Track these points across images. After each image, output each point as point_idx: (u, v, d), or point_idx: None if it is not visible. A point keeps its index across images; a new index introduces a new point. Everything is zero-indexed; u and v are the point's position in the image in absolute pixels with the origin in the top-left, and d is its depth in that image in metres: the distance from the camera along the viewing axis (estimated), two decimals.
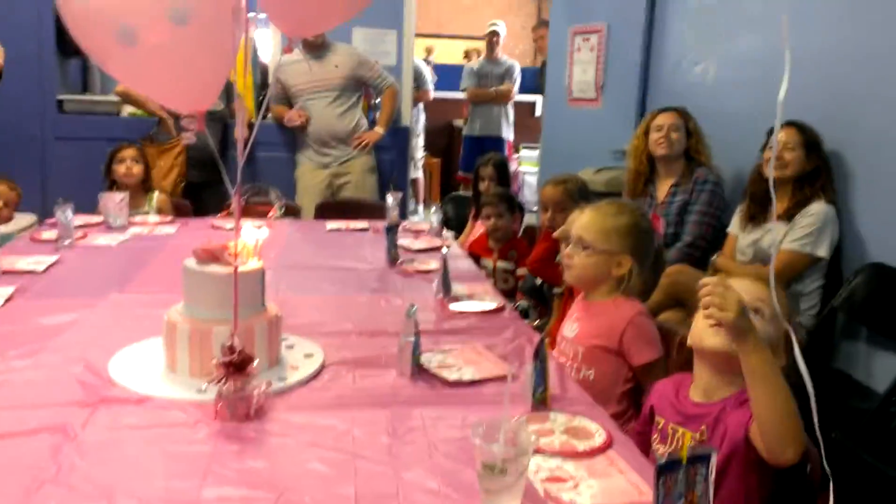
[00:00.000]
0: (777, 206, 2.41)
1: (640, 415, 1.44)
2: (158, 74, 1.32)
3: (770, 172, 1.03)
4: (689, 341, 1.27)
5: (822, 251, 2.32)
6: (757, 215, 2.52)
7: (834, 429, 1.94)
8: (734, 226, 2.64)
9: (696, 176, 2.82)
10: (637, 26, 3.76)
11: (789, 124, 2.38)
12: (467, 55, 7.31)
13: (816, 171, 2.37)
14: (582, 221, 1.62)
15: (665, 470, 0.79)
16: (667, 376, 1.41)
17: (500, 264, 2.78)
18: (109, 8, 1.21)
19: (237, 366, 1.12)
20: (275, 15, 1.28)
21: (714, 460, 0.81)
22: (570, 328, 1.62)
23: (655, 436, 1.30)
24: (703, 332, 1.21)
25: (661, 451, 1.27)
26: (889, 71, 2.32)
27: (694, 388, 1.27)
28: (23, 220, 3.00)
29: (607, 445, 1.08)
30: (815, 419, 0.90)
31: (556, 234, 2.10)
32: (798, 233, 2.33)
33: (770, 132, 2.49)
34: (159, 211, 2.95)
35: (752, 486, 1.15)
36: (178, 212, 3.01)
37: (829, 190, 2.37)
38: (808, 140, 2.37)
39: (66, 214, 2.17)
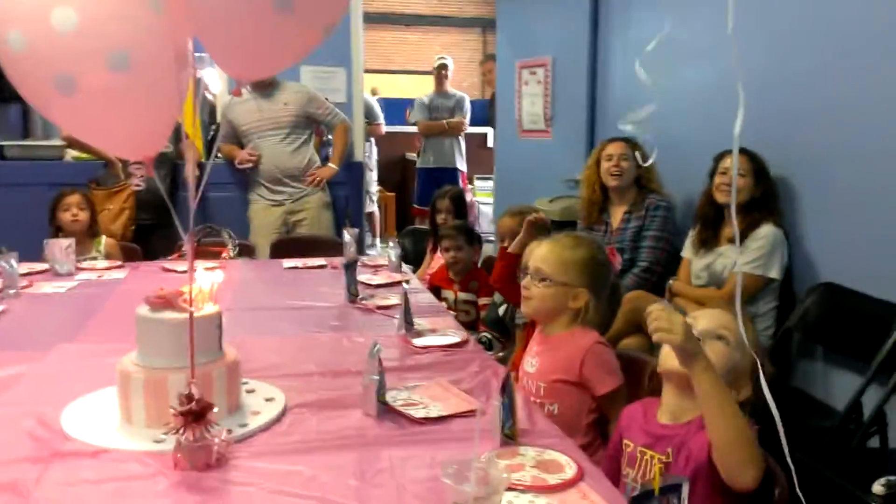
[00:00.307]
0: (727, 230, 2.50)
1: (607, 444, 1.45)
2: (101, 122, 1.29)
3: (732, 199, 1.06)
4: (658, 366, 1.29)
5: (774, 272, 2.40)
6: (709, 239, 2.60)
7: (796, 449, 1.98)
8: (687, 250, 2.71)
9: (648, 202, 2.89)
10: (581, 59, 3.89)
11: (739, 152, 2.48)
12: None
13: (764, 196, 2.46)
14: (540, 253, 1.64)
15: (638, 502, 0.79)
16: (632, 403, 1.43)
17: (462, 295, 2.78)
18: (46, 56, 1.19)
19: (196, 414, 1.08)
20: (221, 59, 1.28)
21: (686, 490, 0.81)
22: (529, 363, 1.62)
23: (624, 459, 1.30)
24: (667, 355, 1.24)
25: (630, 475, 1.27)
26: (829, 94, 2.42)
27: (661, 411, 1.29)
28: None
29: (578, 478, 1.07)
30: (785, 445, 0.91)
31: (511, 249, 2.13)
32: (749, 255, 2.40)
33: (718, 158, 2.58)
34: (108, 256, 2.87)
35: None
36: (128, 256, 2.93)
37: (777, 213, 2.46)
38: (757, 167, 2.46)
39: (11, 263, 2.09)
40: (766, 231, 2.41)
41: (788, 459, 0.86)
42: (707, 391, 1.11)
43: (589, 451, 1.42)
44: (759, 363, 1.04)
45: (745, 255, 2.40)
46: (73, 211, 2.84)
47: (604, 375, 1.51)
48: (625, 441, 1.32)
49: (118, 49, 1.17)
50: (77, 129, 1.39)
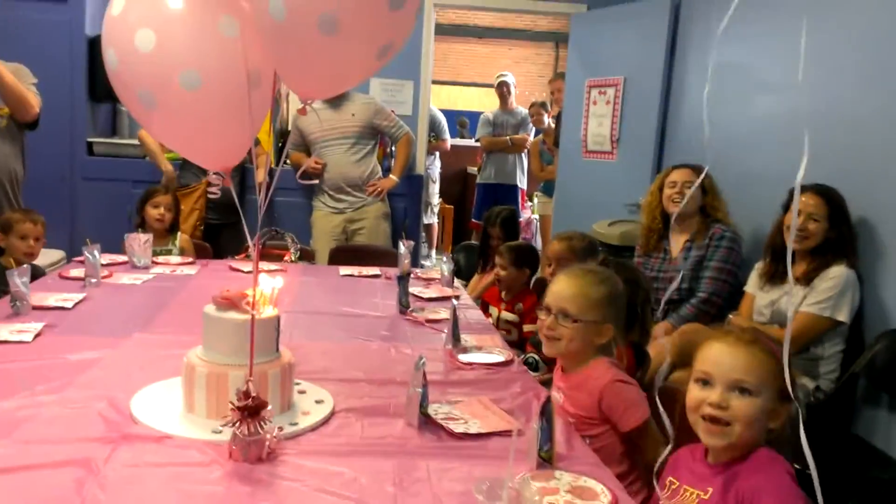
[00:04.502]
0: (796, 268, 2.38)
1: (643, 471, 1.45)
2: (181, 135, 1.41)
3: (788, 247, 1.00)
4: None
5: (842, 315, 2.28)
6: (776, 274, 2.47)
7: (851, 497, 1.90)
8: (751, 284, 2.60)
9: (713, 232, 2.80)
10: (654, 81, 3.82)
11: (816, 192, 2.35)
12: None
13: (839, 238, 2.33)
14: (564, 293, 1.60)
15: None
16: (664, 433, 1.43)
17: (505, 315, 2.80)
18: (129, 75, 1.32)
19: (251, 410, 1.16)
20: (290, 80, 1.36)
21: None
22: (556, 398, 1.61)
23: (666, 492, 1.30)
24: (701, 432, 1.22)
25: None
26: None
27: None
28: (51, 255, 3.09)
29: None
30: (817, 486, 0.91)
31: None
32: (817, 296, 2.30)
33: (793, 191, 2.46)
34: (182, 251, 3.03)
35: None
36: (199, 253, 3.10)
37: (852, 255, 2.34)
38: (833, 209, 2.34)
39: (94, 254, 2.26)
40: (838, 272, 2.30)
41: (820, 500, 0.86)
42: None
43: (626, 480, 1.43)
44: (799, 407, 1.03)
45: (813, 295, 2.31)
46: (160, 210, 3.03)
47: (625, 412, 1.48)
48: (671, 479, 1.31)
49: (190, 68, 1.27)
50: (163, 139, 1.52)
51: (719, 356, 1.21)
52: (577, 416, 1.54)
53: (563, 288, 1.61)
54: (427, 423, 1.35)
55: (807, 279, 2.34)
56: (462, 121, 8.32)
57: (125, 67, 1.31)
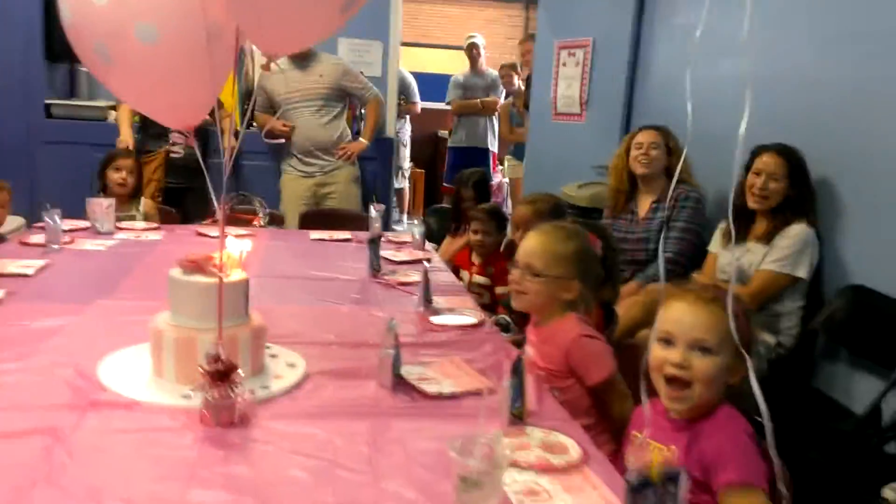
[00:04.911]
0: (757, 227, 2.44)
1: (609, 425, 1.49)
2: (139, 91, 1.36)
3: (730, 203, 0.99)
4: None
5: (802, 272, 2.35)
6: (738, 234, 2.53)
7: (811, 449, 1.98)
8: (715, 244, 2.66)
9: (678, 193, 2.83)
10: (623, 43, 3.80)
11: (777, 152, 2.40)
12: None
13: (799, 197, 2.39)
14: (530, 248, 1.62)
15: (636, 489, 0.81)
16: (628, 388, 1.45)
17: (477, 278, 2.81)
18: (85, 27, 1.27)
19: (221, 374, 1.15)
20: (253, 34, 1.32)
21: (684, 479, 0.83)
22: (527, 352, 1.64)
23: (630, 448, 1.33)
24: (663, 396, 1.24)
25: (632, 462, 1.29)
26: (877, 96, 2.34)
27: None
28: (12, 222, 3.00)
29: (583, 462, 1.10)
30: (771, 440, 0.93)
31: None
32: (777, 254, 2.36)
33: (754, 154, 2.51)
34: (146, 217, 2.96)
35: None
36: (165, 219, 3.03)
37: (811, 213, 2.40)
38: (793, 168, 2.39)
39: (55, 219, 2.19)
40: (797, 230, 2.36)
41: (773, 454, 0.88)
42: None
43: (593, 432, 1.46)
44: (749, 364, 1.04)
45: (772, 254, 2.37)
46: (122, 174, 2.94)
47: (590, 366, 1.52)
48: (634, 433, 1.34)
49: (146, 21, 1.23)
50: (121, 96, 1.47)
51: (680, 315, 1.22)
52: (546, 368, 1.57)
53: (531, 244, 1.64)
54: (400, 384, 1.35)
55: (767, 238, 2.40)
56: None
57: (80, 19, 1.26)
